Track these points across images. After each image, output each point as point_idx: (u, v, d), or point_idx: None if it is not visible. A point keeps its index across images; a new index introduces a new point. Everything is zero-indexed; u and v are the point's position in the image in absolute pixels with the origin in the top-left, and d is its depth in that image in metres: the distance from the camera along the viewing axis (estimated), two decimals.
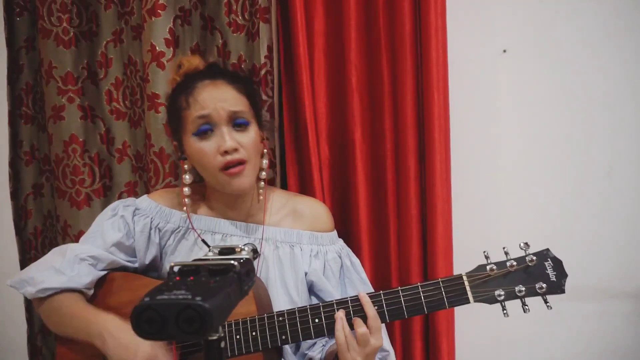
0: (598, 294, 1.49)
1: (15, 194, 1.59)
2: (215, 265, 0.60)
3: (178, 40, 1.42)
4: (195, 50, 1.46)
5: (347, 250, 1.29)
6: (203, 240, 1.19)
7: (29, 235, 1.61)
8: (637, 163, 1.48)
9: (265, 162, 1.21)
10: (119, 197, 1.53)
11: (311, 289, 1.24)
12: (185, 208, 1.21)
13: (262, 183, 1.22)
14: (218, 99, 1.13)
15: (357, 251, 1.37)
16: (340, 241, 1.29)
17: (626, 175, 1.48)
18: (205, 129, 1.13)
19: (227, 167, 1.12)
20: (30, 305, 1.60)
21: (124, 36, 1.51)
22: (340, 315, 1.05)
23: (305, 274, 1.22)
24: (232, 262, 0.60)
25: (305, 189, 1.43)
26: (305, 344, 1.20)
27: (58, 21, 1.47)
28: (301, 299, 1.20)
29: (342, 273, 1.26)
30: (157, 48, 1.39)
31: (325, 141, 1.46)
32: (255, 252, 0.70)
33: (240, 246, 0.67)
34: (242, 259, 0.62)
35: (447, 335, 1.42)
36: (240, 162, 1.13)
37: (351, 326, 1.05)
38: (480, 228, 1.51)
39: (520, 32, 1.50)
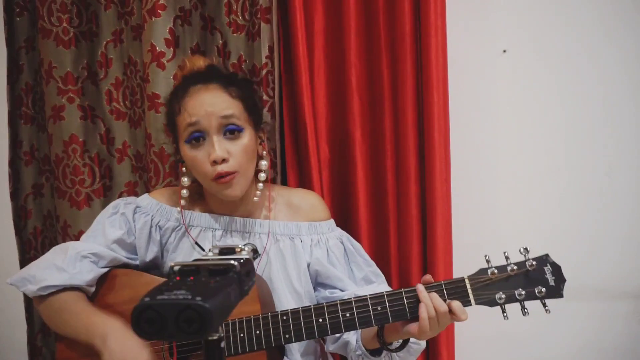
0: (598, 294, 1.49)
1: (15, 194, 1.59)
2: (215, 265, 0.60)
3: (178, 40, 1.42)
4: (195, 50, 1.46)
5: (347, 235, 1.30)
6: (197, 243, 1.20)
7: (29, 235, 1.61)
8: (637, 163, 1.48)
9: (264, 163, 1.22)
10: (119, 197, 1.53)
11: (317, 280, 1.24)
12: (181, 210, 1.22)
13: (261, 185, 1.22)
14: (208, 103, 1.13)
15: None
16: (339, 228, 1.30)
17: (626, 175, 1.48)
18: (197, 136, 1.13)
19: (217, 177, 1.13)
20: (30, 305, 1.60)
21: (124, 36, 1.51)
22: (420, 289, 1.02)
23: (308, 265, 1.23)
24: (232, 262, 0.60)
25: (305, 188, 1.43)
26: None
27: (58, 21, 1.47)
28: (304, 290, 1.22)
29: (347, 258, 1.27)
30: (157, 48, 1.39)
31: (325, 141, 1.47)
32: (255, 252, 0.70)
33: (240, 246, 0.67)
34: (242, 259, 0.62)
35: (447, 335, 1.42)
36: (229, 173, 1.13)
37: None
38: (480, 228, 1.51)
39: (520, 33, 1.50)
